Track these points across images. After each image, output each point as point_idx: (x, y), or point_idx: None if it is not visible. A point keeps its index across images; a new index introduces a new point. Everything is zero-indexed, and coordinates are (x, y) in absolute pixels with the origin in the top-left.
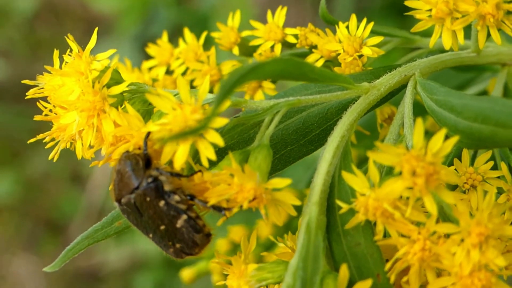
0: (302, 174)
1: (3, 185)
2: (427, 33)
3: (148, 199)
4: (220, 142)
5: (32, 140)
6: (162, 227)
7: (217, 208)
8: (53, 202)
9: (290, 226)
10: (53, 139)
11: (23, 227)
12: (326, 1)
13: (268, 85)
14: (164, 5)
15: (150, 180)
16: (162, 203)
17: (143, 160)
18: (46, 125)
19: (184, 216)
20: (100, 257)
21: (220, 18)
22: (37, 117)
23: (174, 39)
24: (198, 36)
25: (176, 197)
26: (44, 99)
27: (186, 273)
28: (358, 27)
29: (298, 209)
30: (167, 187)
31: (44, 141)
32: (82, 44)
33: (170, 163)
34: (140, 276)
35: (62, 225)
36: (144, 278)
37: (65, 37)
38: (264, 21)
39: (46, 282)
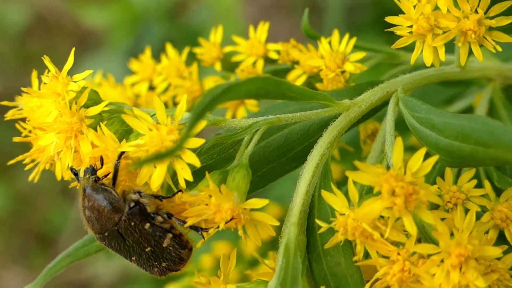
0: (291, 188)
1: None
2: (411, 48)
3: (132, 223)
4: (197, 162)
5: (12, 161)
6: (148, 249)
7: (195, 228)
8: (43, 216)
9: (274, 243)
10: (33, 160)
11: (13, 240)
12: (317, 16)
13: (250, 101)
14: (155, 20)
15: (132, 204)
16: (147, 225)
17: (113, 187)
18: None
19: (170, 235)
20: (91, 270)
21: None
22: (16, 139)
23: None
24: (191, 51)
25: (159, 218)
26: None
27: None
28: (340, 42)
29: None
30: (149, 209)
31: (23, 162)
32: (74, 59)
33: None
34: None
35: (52, 239)
36: None
37: (41, 57)
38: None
39: None
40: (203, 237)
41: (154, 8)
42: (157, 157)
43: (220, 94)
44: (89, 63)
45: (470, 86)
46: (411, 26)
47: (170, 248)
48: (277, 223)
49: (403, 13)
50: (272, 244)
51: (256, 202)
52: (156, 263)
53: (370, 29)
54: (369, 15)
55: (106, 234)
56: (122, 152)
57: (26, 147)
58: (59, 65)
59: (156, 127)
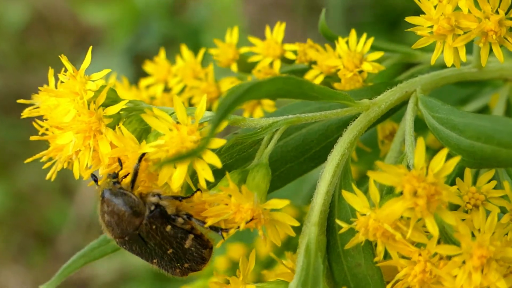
0: (294, 189)
1: None
2: (428, 49)
3: (154, 227)
4: (218, 163)
5: (29, 160)
6: (170, 251)
7: (214, 229)
8: (43, 214)
9: (290, 243)
10: (50, 159)
11: (13, 239)
12: (315, 16)
13: (267, 101)
14: (156, 17)
15: (152, 207)
16: (169, 227)
17: (131, 191)
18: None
19: (191, 236)
20: (90, 269)
21: (212, 31)
22: (33, 137)
23: (166, 52)
24: (190, 50)
25: (180, 219)
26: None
27: None
28: (358, 42)
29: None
30: (169, 211)
31: (41, 160)
32: (73, 57)
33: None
34: None
35: (51, 237)
36: None
37: (59, 56)
38: (255, 35)
39: None
40: (223, 237)
41: (154, 5)
42: (180, 158)
43: (244, 93)
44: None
45: (485, 86)
46: (431, 27)
47: (192, 248)
48: (297, 224)
49: (406, 13)
50: (285, 245)
51: (277, 203)
52: (178, 264)
53: (369, 28)
54: (368, 15)
55: (126, 238)
56: (143, 154)
57: (27, 146)
58: (60, 63)
59: (177, 127)
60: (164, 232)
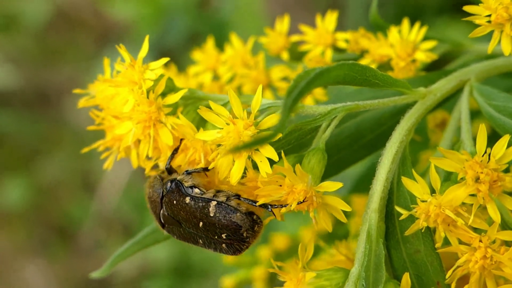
0: None
1: (14, 191)
2: (476, 39)
3: (174, 202)
4: (274, 156)
5: (86, 149)
6: (201, 224)
7: (264, 206)
8: (64, 209)
9: (332, 234)
10: (107, 149)
11: (34, 233)
12: (338, 12)
13: (318, 90)
14: (181, 13)
15: (168, 184)
16: (187, 199)
17: (161, 176)
18: (57, 132)
19: (213, 202)
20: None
21: (235, 26)
22: (90, 127)
23: (190, 46)
24: (216, 43)
25: (197, 190)
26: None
27: (227, 282)
28: (410, 31)
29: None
30: (186, 184)
31: (98, 150)
32: (95, 53)
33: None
34: (150, 284)
35: (72, 232)
36: (154, 286)
37: (116, 46)
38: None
39: None
40: (274, 214)
41: (179, 1)
42: (237, 149)
43: (313, 78)
44: (111, 58)
45: None
46: (489, 16)
47: (218, 215)
48: (349, 209)
49: (428, 9)
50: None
51: (330, 185)
52: (216, 236)
53: (393, 24)
54: (390, 11)
55: (166, 224)
56: (177, 148)
57: (48, 141)
58: (82, 58)
59: (233, 122)
60: (185, 206)
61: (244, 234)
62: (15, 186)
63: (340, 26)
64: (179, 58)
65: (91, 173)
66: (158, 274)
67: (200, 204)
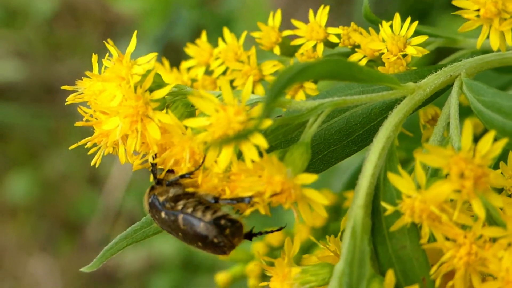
0: (322, 178)
1: (20, 185)
2: (469, 35)
3: (156, 216)
4: (264, 143)
5: (73, 146)
6: (180, 234)
7: (241, 200)
8: (70, 203)
9: (327, 230)
10: (94, 145)
11: (40, 227)
12: (343, 7)
13: (309, 85)
14: (186, 7)
15: (150, 199)
16: (162, 214)
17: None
18: (64, 127)
19: (180, 216)
20: (117, 258)
21: (241, 21)
22: (78, 123)
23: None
24: (219, 38)
25: (168, 205)
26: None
27: (221, 277)
28: (402, 26)
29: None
30: (161, 198)
31: (86, 146)
32: (101, 46)
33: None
34: (156, 278)
35: (79, 226)
36: (160, 280)
37: (104, 42)
38: (284, 24)
39: (62, 282)
40: (250, 204)
41: None
42: (227, 140)
43: (296, 74)
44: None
45: None
46: (478, 10)
47: (186, 227)
48: (327, 202)
49: (435, 4)
50: (322, 233)
51: (306, 177)
52: (195, 245)
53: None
54: (396, 5)
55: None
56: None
57: (54, 134)
58: (88, 52)
59: (223, 108)
60: (163, 219)
61: (215, 241)
62: (21, 180)
63: (348, 18)
64: (185, 53)
65: (98, 168)
66: (163, 268)
67: (172, 218)
